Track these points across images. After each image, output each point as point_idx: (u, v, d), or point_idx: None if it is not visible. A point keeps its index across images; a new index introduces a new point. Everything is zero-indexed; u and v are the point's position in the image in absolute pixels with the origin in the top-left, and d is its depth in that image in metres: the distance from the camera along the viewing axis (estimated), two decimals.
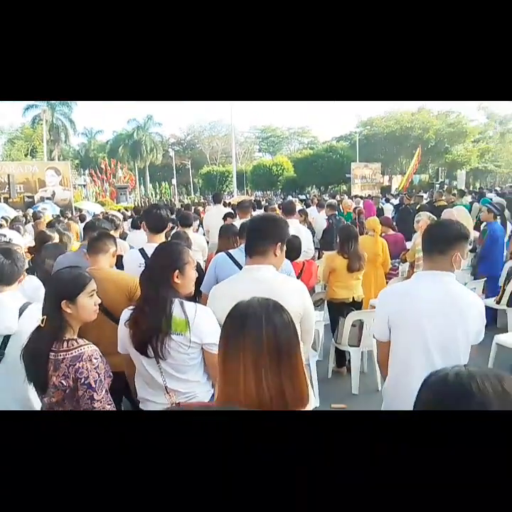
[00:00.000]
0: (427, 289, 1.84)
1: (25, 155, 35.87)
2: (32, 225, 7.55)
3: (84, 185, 29.65)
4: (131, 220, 7.88)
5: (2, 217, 7.90)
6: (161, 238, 3.04)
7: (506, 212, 7.43)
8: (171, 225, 4.24)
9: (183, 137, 52.38)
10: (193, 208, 10.44)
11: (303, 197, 21.86)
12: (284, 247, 2.07)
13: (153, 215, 3.14)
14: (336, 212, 7.86)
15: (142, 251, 2.97)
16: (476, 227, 6.91)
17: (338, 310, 4.14)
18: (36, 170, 17.78)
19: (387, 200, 14.16)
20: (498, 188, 20.31)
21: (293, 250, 3.80)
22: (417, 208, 8.90)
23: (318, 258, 6.15)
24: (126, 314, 1.87)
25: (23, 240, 2.70)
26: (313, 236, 7.34)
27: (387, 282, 4.78)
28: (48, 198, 16.08)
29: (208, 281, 2.78)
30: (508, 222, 6.77)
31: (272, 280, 1.90)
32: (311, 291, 4.38)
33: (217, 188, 37.50)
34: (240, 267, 2.66)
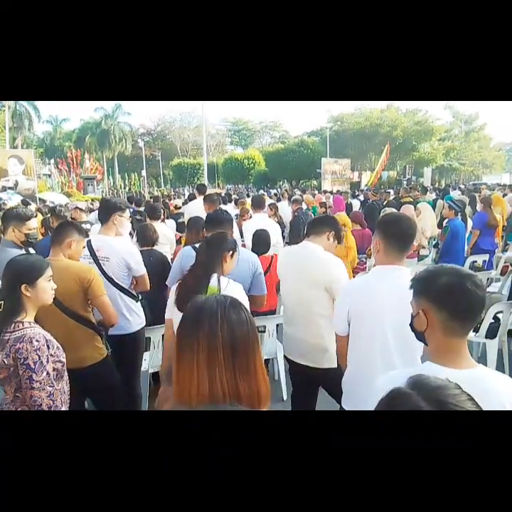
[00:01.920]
0: (386, 284, 1.88)
1: None
2: None
3: (49, 175, 28.66)
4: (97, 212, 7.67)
5: None
6: (109, 230, 2.96)
7: (468, 209, 7.69)
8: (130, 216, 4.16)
9: (153, 128, 51.42)
10: (161, 200, 10.29)
11: (274, 191, 21.91)
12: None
13: (102, 207, 3.11)
14: (302, 207, 7.95)
15: (89, 243, 2.87)
16: (439, 224, 7.13)
17: None
18: None
19: (354, 196, 14.43)
20: (462, 186, 20.98)
21: (262, 244, 3.82)
22: (385, 203, 9.12)
23: None
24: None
25: None
26: (284, 230, 7.40)
27: (354, 277, 4.87)
28: (10, 188, 15.46)
29: (174, 274, 2.76)
30: (468, 219, 7.02)
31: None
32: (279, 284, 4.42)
33: (187, 181, 37.08)
34: None
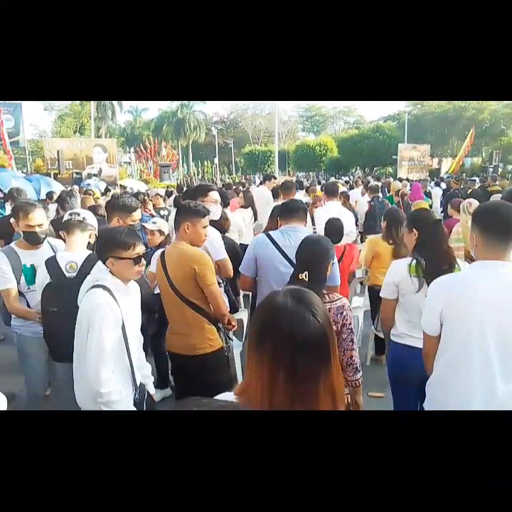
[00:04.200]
0: (488, 280, 1.69)
1: (74, 132, 37.07)
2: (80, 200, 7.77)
3: (129, 163, 30.32)
4: (173, 197, 7.96)
5: (48, 193, 8.19)
6: None
7: None
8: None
9: (226, 116, 52.26)
10: (233, 187, 10.42)
11: (346, 178, 21.33)
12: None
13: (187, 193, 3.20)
14: (379, 195, 7.60)
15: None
16: None
17: (379, 297, 4.02)
18: (84, 147, 18.31)
19: (437, 184, 13.49)
20: None
21: (334, 233, 3.71)
22: (469, 192, 8.46)
23: (361, 241, 5.98)
24: (402, 266, 2.37)
25: (95, 221, 2.77)
26: (357, 219, 7.16)
27: None
28: (94, 175, 16.55)
29: (247, 261, 2.76)
30: None
31: None
32: (352, 275, 4.28)
33: (258, 168, 37.30)
34: (279, 249, 2.62)
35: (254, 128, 48.64)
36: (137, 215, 2.88)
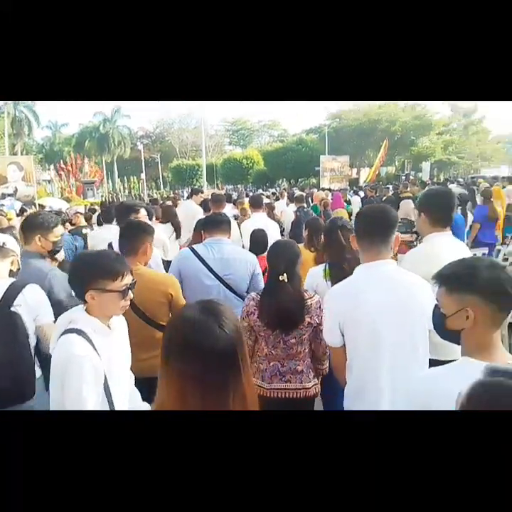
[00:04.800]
0: (373, 281, 1.76)
1: None
2: None
3: (49, 181, 28.65)
4: (97, 215, 7.67)
5: None
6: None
7: (468, 204, 7.65)
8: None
9: (152, 130, 51.44)
10: (161, 202, 10.26)
11: (273, 190, 21.87)
12: None
13: (118, 210, 3.12)
14: (304, 205, 7.90)
15: (110, 246, 2.93)
16: None
17: None
18: None
19: (356, 193, 14.36)
20: (460, 179, 20.90)
21: (259, 244, 3.79)
22: (383, 199, 9.08)
23: None
24: (318, 270, 2.60)
25: (16, 246, 2.51)
26: (283, 230, 7.36)
27: None
28: (9, 195, 15.44)
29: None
30: (468, 213, 6.98)
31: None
32: None
33: (186, 182, 37.05)
34: (203, 262, 2.63)
35: (181, 142, 48.28)
36: (59, 230, 2.68)
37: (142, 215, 3.22)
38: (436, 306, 1.33)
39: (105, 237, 3.79)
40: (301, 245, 4.25)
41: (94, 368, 1.54)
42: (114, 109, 43.67)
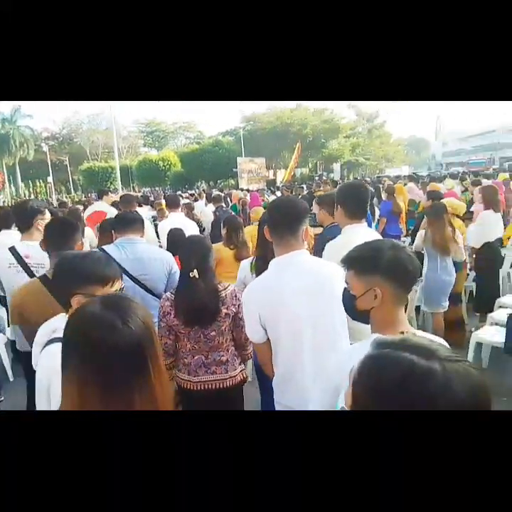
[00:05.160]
0: (289, 273, 1.76)
1: None
2: None
3: None
4: None
5: None
6: (33, 235, 2.68)
7: (374, 200, 8.17)
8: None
9: (58, 131, 48.12)
10: (70, 206, 9.63)
11: (192, 192, 21.66)
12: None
13: (20, 212, 2.80)
14: (223, 205, 7.89)
15: (13, 250, 2.61)
16: None
17: None
18: None
19: (273, 192, 14.71)
20: (368, 179, 22.36)
21: (176, 243, 3.68)
22: (299, 198, 9.37)
23: None
24: (247, 264, 2.66)
25: None
26: (203, 230, 7.28)
27: None
28: None
29: None
30: (375, 208, 7.46)
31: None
32: None
33: (100, 185, 35.28)
34: (117, 264, 2.48)
35: (91, 144, 45.84)
36: None
37: (47, 217, 2.95)
38: (345, 288, 1.36)
39: (6, 242, 3.43)
40: (220, 243, 4.25)
41: None
42: (13, 109, 40.20)
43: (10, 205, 19.33)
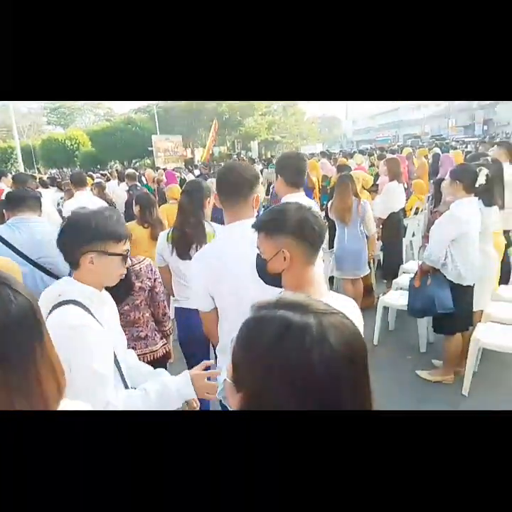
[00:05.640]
0: (235, 243, 1.72)
1: None
2: None
3: None
4: None
5: None
6: None
7: None
8: None
9: None
10: None
11: (104, 172, 20.48)
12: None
13: None
14: (137, 183, 7.54)
15: None
16: (267, 190, 7.56)
17: None
18: None
19: (190, 171, 14.41)
20: None
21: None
22: None
23: None
24: (163, 235, 2.58)
25: None
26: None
27: None
28: None
29: None
30: None
31: None
32: None
33: None
34: (9, 245, 2.23)
35: None
36: None
37: None
38: (257, 254, 1.35)
39: None
40: (134, 222, 4.05)
41: (98, 339, 1.31)
42: None
43: None
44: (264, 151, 39.67)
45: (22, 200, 2.35)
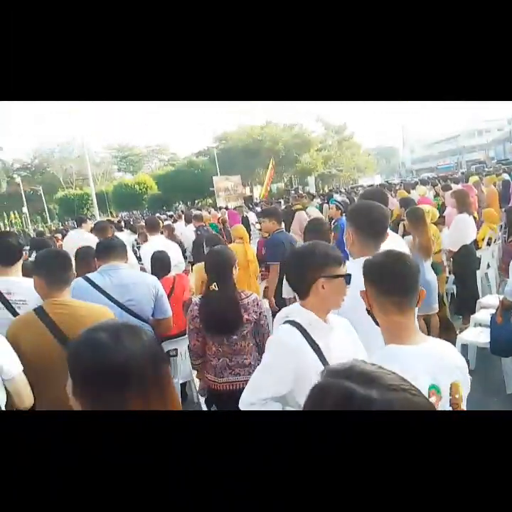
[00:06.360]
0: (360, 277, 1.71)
1: None
2: None
3: None
4: None
5: None
6: (16, 271, 2.58)
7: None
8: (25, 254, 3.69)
9: (29, 161, 47.52)
10: (49, 235, 9.47)
11: (170, 213, 21.59)
12: None
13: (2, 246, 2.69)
14: (203, 224, 7.88)
15: None
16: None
17: None
18: None
19: (250, 209, 14.81)
20: (342, 189, 22.74)
21: (161, 266, 3.65)
22: None
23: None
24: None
25: None
26: (185, 250, 7.24)
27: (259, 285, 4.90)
28: None
29: None
30: None
31: None
32: (188, 303, 4.26)
33: (76, 212, 34.89)
34: (102, 291, 2.43)
35: (64, 172, 45.37)
36: None
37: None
38: None
39: None
40: (203, 263, 4.23)
41: (300, 362, 1.44)
42: None
43: None
44: (322, 185, 39.90)
45: (111, 249, 2.57)
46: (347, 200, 9.45)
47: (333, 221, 6.06)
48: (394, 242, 2.27)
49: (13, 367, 1.80)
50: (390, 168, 65.00)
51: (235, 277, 2.40)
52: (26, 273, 2.60)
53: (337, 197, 11.73)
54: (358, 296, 1.38)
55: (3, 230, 30.31)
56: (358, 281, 1.40)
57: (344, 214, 6.05)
